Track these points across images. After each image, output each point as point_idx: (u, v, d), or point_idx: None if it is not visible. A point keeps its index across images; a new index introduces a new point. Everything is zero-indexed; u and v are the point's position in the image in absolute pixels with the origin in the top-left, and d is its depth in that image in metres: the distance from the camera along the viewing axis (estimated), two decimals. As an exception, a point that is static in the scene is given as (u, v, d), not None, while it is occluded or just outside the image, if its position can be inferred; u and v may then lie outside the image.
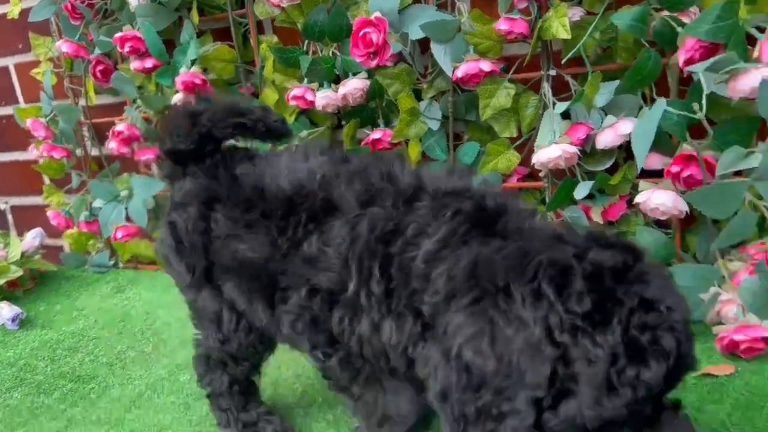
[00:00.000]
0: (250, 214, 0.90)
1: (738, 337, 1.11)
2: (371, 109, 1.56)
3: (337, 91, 1.49)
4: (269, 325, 0.93)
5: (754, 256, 1.14)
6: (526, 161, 1.45)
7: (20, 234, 2.16)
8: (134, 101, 1.87)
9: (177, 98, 1.68)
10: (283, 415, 1.13)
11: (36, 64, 2.04)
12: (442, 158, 1.51)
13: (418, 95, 1.50)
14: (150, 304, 1.77)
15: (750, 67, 1.07)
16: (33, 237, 2.05)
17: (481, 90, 1.38)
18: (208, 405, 1.13)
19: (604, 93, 1.29)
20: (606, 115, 1.29)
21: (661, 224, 1.34)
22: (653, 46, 1.23)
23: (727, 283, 1.18)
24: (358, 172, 0.84)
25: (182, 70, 1.65)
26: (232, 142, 1.06)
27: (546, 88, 1.37)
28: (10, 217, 2.40)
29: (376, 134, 1.51)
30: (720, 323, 1.19)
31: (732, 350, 1.13)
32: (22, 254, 1.97)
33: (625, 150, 1.34)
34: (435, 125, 1.48)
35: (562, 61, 1.32)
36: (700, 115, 1.12)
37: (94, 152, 2.05)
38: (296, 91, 1.52)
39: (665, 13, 1.20)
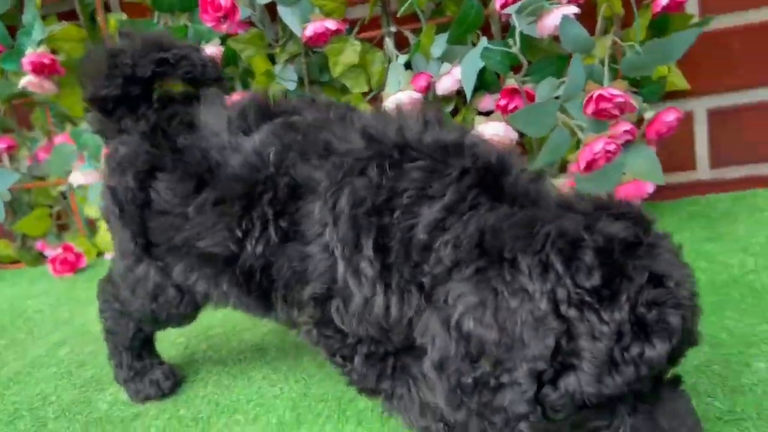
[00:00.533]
0: (201, 197, 0.84)
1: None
2: (228, 77, 1.61)
3: (192, 61, 1.53)
4: (253, 311, 0.89)
5: (572, 169, 1.33)
6: (379, 112, 1.57)
7: None
8: (-22, 91, 1.79)
9: (25, 81, 1.64)
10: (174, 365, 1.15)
11: None
12: (302, 119, 1.59)
13: (273, 61, 1.58)
14: (17, 298, 1.71)
15: (553, 7, 1.25)
16: None
17: (329, 49, 1.49)
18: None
19: (439, 44, 1.44)
20: (443, 63, 1.44)
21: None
22: (476, -2, 1.39)
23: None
24: (314, 141, 0.78)
25: (28, 51, 1.61)
26: (166, 89, 0.96)
27: (389, 43, 1.50)
28: None
29: (235, 98, 1.56)
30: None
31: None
32: None
33: (462, 96, 1.49)
34: (292, 86, 1.57)
35: (398, 15, 1.45)
36: (515, 50, 1.29)
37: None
38: (152, 64, 1.54)
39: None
